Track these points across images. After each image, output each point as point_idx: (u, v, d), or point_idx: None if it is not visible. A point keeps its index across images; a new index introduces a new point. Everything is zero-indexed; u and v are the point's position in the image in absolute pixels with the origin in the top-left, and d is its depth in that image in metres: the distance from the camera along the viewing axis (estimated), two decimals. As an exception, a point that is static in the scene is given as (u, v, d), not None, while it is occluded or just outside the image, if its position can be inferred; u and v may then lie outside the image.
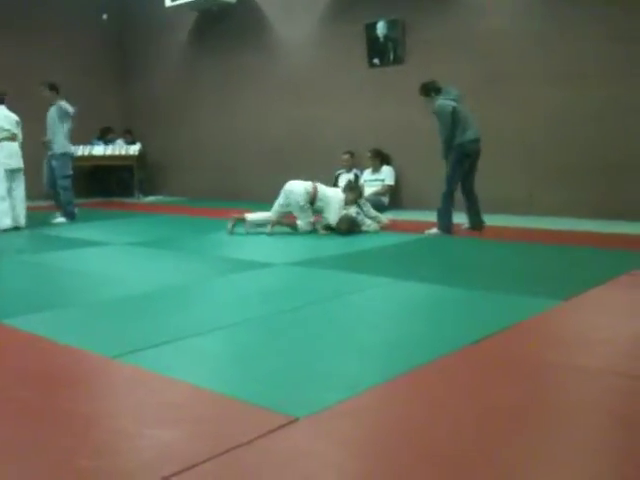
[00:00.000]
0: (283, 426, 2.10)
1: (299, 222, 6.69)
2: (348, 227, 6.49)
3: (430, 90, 6.53)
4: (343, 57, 9.43)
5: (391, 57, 8.95)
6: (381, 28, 8.92)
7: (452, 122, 6.32)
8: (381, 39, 8.98)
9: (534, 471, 1.84)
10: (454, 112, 6.32)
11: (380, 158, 8.89)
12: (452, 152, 6.39)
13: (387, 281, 4.38)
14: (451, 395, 2.39)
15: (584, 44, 7.32)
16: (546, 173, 7.73)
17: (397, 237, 6.36)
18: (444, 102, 6.38)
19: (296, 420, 2.14)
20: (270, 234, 6.61)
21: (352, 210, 6.80)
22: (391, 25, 8.84)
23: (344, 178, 8.81)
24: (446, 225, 6.43)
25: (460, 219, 6.80)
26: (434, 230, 6.46)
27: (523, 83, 7.84)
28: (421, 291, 4.12)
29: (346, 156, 9.06)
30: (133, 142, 12.16)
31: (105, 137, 12.21)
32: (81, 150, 11.71)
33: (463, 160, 6.42)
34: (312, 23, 9.87)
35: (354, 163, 9.14)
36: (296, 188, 6.69)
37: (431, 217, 6.74)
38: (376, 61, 9.09)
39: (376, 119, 9.11)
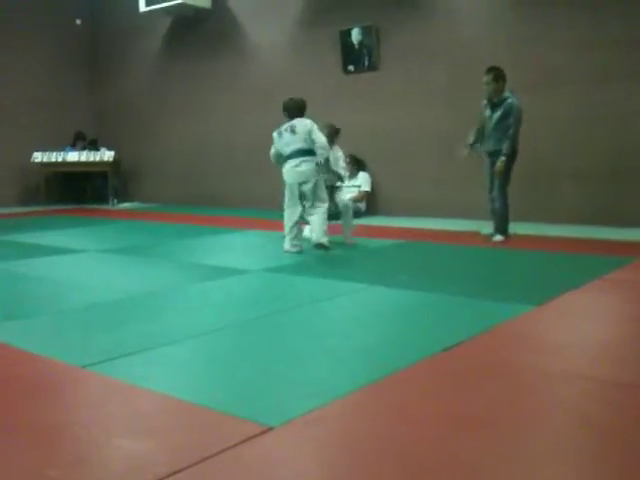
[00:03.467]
0: (257, 435, 2.08)
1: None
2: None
3: (502, 78, 6.20)
4: (318, 63, 9.44)
5: (366, 63, 8.98)
6: (356, 35, 8.96)
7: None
8: (356, 46, 9.01)
9: (507, 477, 1.84)
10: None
11: (356, 164, 8.92)
12: (508, 157, 6.19)
13: (361, 287, 4.38)
14: (424, 402, 2.39)
15: (556, 51, 7.42)
16: (516, 179, 7.79)
17: (373, 243, 6.37)
18: (519, 104, 6.16)
19: (270, 429, 2.12)
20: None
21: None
22: (365, 32, 8.87)
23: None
24: (507, 228, 6.37)
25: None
26: (499, 237, 6.26)
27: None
28: (395, 297, 4.12)
29: (322, 162, 9.08)
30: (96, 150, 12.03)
31: (75, 144, 12.07)
32: (55, 156, 11.59)
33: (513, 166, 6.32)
34: (287, 29, 9.88)
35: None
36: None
37: (406, 223, 6.77)
38: (351, 67, 9.12)
39: (351, 125, 9.12)
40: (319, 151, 5.71)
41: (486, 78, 6.21)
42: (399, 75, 8.70)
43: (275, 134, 5.93)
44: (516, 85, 7.68)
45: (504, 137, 6.15)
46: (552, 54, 7.45)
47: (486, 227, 6.56)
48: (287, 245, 5.86)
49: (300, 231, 5.95)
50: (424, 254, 5.87)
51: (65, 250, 6.26)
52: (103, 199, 11.89)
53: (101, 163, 11.67)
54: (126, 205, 11.66)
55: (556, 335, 3.27)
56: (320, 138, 5.72)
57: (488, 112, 6.28)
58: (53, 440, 2.12)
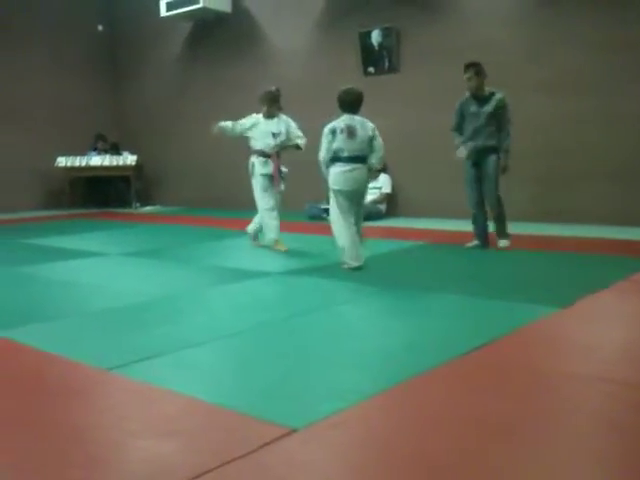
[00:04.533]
0: (280, 438, 2.08)
1: None
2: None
3: (482, 72, 5.89)
4: (337, 65, 9.44)
5: (386, 65, 8.97)
6: (376, 36, 8.95)
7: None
8: (376, 47, 9.00)
9: (533, 481, 1.82)
10: None
11: (377, 166, 8.90)
12: (495, 155, 5.89)
13: (382, 289, 4.37)
14: (447, 405, 2.37)
15: (577, 52, 7.36)
16: (535, 180, 7.74)
17: (393, 245, 6.35)
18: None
19: (293, 432, 2.12)
20: None
21: None
22: (386, 33, 8.86)
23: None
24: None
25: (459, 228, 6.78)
26: (506, 242, 5.97)
27: (516, 92, 7.83)
28: (416, 299, 4.10)
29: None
30: (119, 154, 12.14)
31: (96, 145, 12.19)
32: (78, 161, 11.73)
33: None
34: (307, 32, 9.90)
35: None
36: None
37: (427, 224, 6.75)
38: (371, 69, 9.11)
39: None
40: (375, 160, 5.16)
41: (468, 74, 5.93)
42: (420, 77, 8.68)
43: (328, 132, 5.08)
44: (537, 86, 7.66)
45: (496, 133, 5.87)
46: (573, 55, 7.39)
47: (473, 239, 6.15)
48: (348, 259, 5.05)
49: (360, 241, 5.16)
50: (445, 256, 5.83)
51: (88, 253, 6.32)
52: (126, 203, 12.00)
53: (124, 167, 11.78)
54: (148, 209, 11.75)
55: (580, 337, 3.23)
56: (381, 145, 5.15)
57: (474, 108, 5.92)
58: (77, 441, 2.13)
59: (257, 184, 6.23)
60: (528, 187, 7.82)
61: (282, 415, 2.25)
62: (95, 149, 12.14)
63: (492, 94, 5.93)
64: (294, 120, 6.35)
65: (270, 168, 6.17)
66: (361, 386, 2.55)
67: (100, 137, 12.24)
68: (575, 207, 7.48)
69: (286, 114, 6.37)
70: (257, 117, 6.31)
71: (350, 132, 5.01)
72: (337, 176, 5.07)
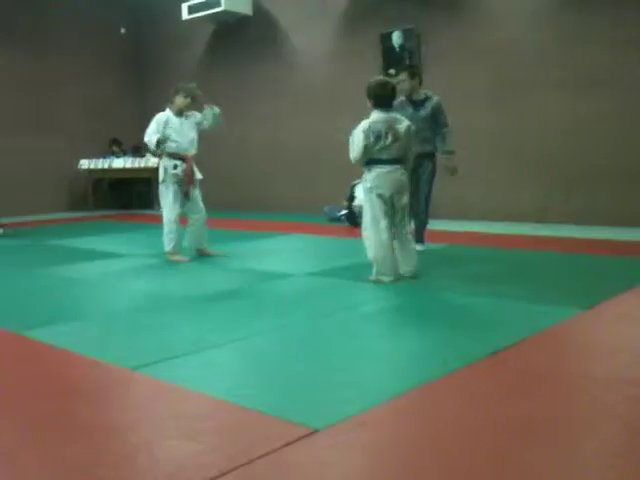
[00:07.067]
0: (302, 438, 2.09)
1: None
2: None
3: (417, 75, 5.90)
4: (358, 67, 9.44)
5: (407, 67, 8.96)
6: (396, 38, 8.95)
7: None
8: (396, 49, 9.00)
9: (557, 483, 1.82)
10: None
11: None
12: (431, 162, 5.93)
13: (405, 290, 4.36)
14: (470, 406, 2.37)
15: (599, 51, 7.30)
16: (561, 181, 7.68)
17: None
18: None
19: (315, 432, 2.13)
20: None
21: None
22: (406, 35, 8.85)
23: (361, 189, 8.84)
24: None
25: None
26: (421, 246, 5.81)
27: (538, 91, 7.81)
28: (440, 301, 4.10)
29: (363, 166, 9.08)
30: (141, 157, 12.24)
31: (112, 149, 12.28)
32: (101, 163, 11.86)
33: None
34: (328, 34, 9.92)
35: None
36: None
37: (451, 226, 6.74)
38: (392, 71, 9.09)
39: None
40: (410, 158, 4.90)
41: (402, 76, 5.89)
42: (441, 77, 8.64)
43: (369, 134, 4.58)
44: (558, 85, 7.60)
45: (431, 139, 5.84)
46: (598, 53, 7.32)
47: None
48: (379, 274, 4.65)
49: (394, 256, 4.70)
50: (468, 258, 5.80)
51: (113, 255, 6.39)
52: (148, 205, 12.10)
53: (146, 169, 11.87)
54: (170, 211, 11.81)
55: (604, 339, 3.20)
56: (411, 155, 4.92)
57: (409, 112, 5.66)
58: (103, 440, 2.17)
59: (168, 191, 5.85)
60: (548, 187, 7.76)
61: (304, 415, 2.26)
62: (112, 153, 12.24)
63: (427, 98, 5.86)
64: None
65: (181, 173, 5.84)
66: (384, 387, 2.55)
67: (115, 141, 12.36)
68: (596, 208, 7.41)
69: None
70: (166, 115, 5.91)
71: (394, 135, 4.59)
72: (378, 178, 4.65)
